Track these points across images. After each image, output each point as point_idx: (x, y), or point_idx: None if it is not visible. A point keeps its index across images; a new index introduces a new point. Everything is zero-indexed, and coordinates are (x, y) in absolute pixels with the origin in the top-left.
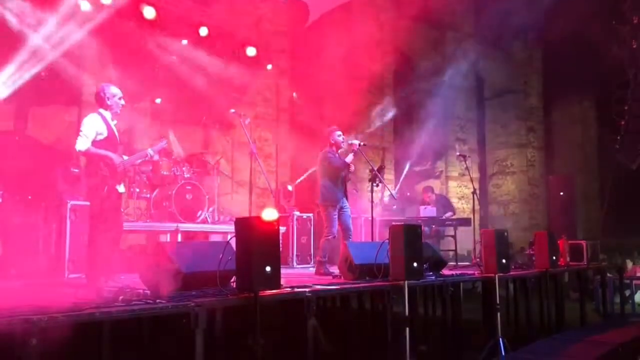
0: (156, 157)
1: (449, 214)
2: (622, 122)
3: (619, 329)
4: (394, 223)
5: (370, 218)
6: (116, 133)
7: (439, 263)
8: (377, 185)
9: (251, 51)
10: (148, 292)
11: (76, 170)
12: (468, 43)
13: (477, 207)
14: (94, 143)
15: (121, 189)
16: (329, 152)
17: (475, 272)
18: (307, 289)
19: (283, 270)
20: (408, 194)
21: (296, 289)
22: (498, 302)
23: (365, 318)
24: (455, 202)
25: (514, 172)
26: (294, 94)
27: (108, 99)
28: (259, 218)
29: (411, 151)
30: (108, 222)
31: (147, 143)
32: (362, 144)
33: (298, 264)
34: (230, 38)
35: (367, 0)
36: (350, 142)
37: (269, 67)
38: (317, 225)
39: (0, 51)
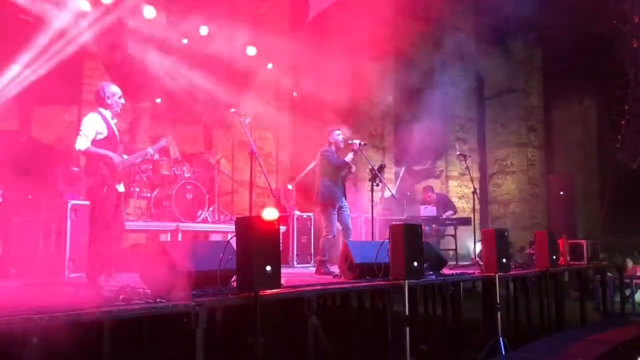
0: (156, 157)
1: (449, 213)
2: (623, 122)
3: (619, 328)
4: (394, 222)
5: (370, 217)
6: (116, 132)
7: (439, 262)
8: (377, 185)
9: (251, 50)
10: (148, 291)
11: (76, 169)
12: (468, 42)
13: (477, 206)
14: (94, 142)
15: (121, 188)
16: (327, 150)
17: (476, 272)
18: (307, 288)
19: (283, 270)
20: (408, 193)
21: (296, 289)
22: (498, 301)
23: (365, 317)
24: (455, 201)
25: (514, 171)
26: (294, 93)
27: (108, 98)
28: (259, 217)
29: (411, 151)
30: (108, 221)
31: (147, 142)
32: (362, 143)
33: (298, 264)
34: (231, 37)
35: None
36: (350, 141)
37: (270, 66)
38: (317, 225)
39: (8, 49)
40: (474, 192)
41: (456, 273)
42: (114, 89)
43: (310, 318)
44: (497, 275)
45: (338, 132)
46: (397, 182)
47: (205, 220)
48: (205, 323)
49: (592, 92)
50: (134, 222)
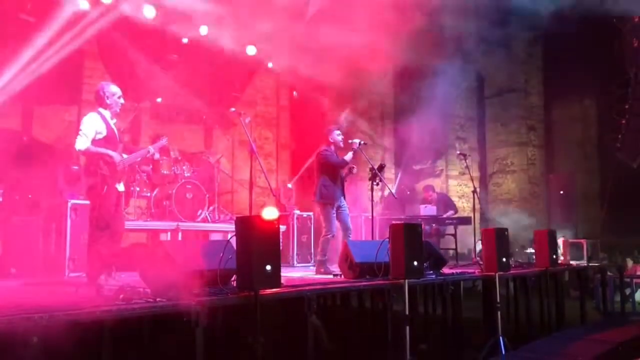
0: (157, 156)
1: (450, 212)
2: (623, 121)
3: (619, 327)
4: (394, 222)
5: (370, 217)
6: (116, 132)
7: (439, 262)
8: (377, 184)
9: (251, 50)
10: (148, 290)
11: (76, 168)
12: (468, 41)
13: (477, 205)
14: (94, 142)
15: (121, 187)
16: (326, 149)
17: (476, 271)
18: (307, 288)
19: (283, 269)
20: (408, 192)
21: (296, 288)
22: (498, 300)
23: (365, 316)
24: (455, 200)
25: (515, 170)
26: (294, 93)
27: (107, 97)
28: (259, 217)
29: (411, 150)
30: (108, 220)
31: (147, 142)
32: (362, 142)
33: (298, 263)
34: (231, 36)
35: None
36: (350, 141)
37: (270, 64)
38: (317, 224)
39: (8, 48)
40: (474, 192)
41: (456, 272)
42: (113, 89)
43: (310, 317)
44: (497, 274)
45: (338, 131)
46: (397, 179)
47: (205, 220)
48: (205, 322)
49: (593, 92)
50: (134, 221)
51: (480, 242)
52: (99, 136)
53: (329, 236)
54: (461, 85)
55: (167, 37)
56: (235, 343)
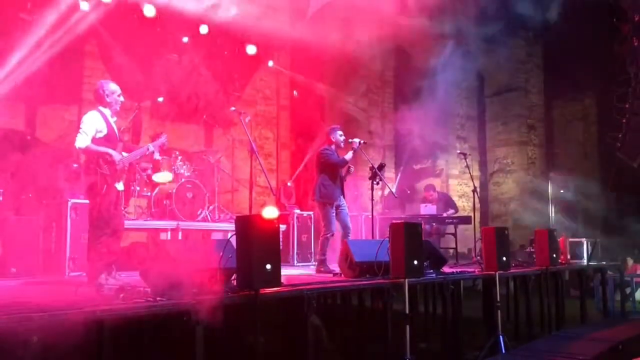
0: (157, 156)
1: (450, 212)
2: (624, 120)
3: (620, 326)
4: (394, 221)
5: (370, 216)
6: (116, 130)
7: (439, 261)
8: (378, 184)
9: (251, 49)
10: (148, 290)
11: (75, 166)
12: (469, 40)
13: (477, 205)
14: (94, 140)
15: (120, 186)
16: (327, 149)
17: (476, 270)
18: (307, 287)
19: (283, 269)
20: (409, 192)
21: (296, 287)
22: (498, 299)
23: (365, 316)
24: (456, 200)
25: (515, 170)
26: (295, 92)
27: (107, 96)
28: (259, 216)
29: (412, 149)
30: (108, 220)
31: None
32: (362, 142)
33: (299, 262)
34: (231, 36)
35: None
36: (350, 140)
37: (270, 63)
38: (317, 224)
39: (8, 48)
40: (474, 191)
41: (456, 271)
42: (113, 87)
43: (310, 317)
44: (497, 273)
45: (340, 132)
46: (397, 179)
47: (205, 219)
48: (205, 322)
49: (593, 91)
50: (135, 220)
51: (480, 241)
52: (100, 135)
53: (328, 235)
54: (461, 85)
55: (168, 36)
56: (235, 342)
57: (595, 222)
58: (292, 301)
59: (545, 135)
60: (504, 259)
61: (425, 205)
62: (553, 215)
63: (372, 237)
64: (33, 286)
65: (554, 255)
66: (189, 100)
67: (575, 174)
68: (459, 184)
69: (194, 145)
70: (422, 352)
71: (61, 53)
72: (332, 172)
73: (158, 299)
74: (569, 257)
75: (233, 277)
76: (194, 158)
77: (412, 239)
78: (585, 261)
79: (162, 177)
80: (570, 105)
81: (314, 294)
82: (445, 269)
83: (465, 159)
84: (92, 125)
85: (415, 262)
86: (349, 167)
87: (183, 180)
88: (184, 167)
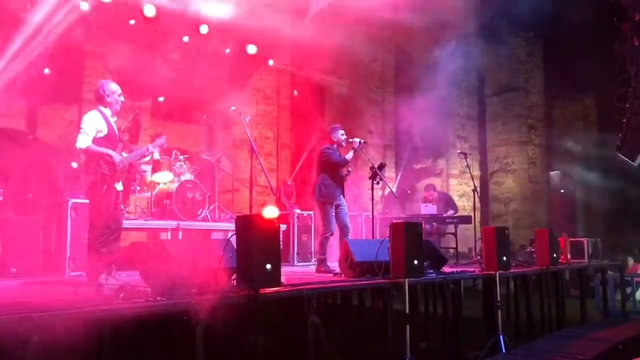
0: (157, 156)
1: (450, 212)
2: (624, 120)
3: (620, 326)
4: (394, 221)
5: (370, 215)
6: (116, 130)
7: (439, 260)
8: (378, 183)
9: (252, 49)
10: (148, 289)
11: (75, 165)
12: (469, 40)
13: (478, 204)
14: (95, 140)
15: (119, 186)
16: (328, 148)
17: (476, 270)
18: (307, 287)
19: (283, 268)
20: (409, 191)
21: (297, 287)
22: (499, 299)
23: (365, 315)
24: (456, 199)
25: (515, 169)
26: (295, 92)
27: (108, 96)
28: (259, 216)
29: (412, 149)
30: (107, 219)
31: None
32: (362, 141)
33: (299, 262)
34: (231, 35)
35: None
36: (350, 140)
37: (271, 62)
38: (317, 223)
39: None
40: (474, 191)
41: (457, 271)
42: (113, 87)
43: (310, 316)
44: (497, 273)
45: (342, 131)
46: (398, 179)
47: (205, 219)
48: (205, 321)
49: (593, 90)
50: (135, 220)
51: (480, 241)
52: (100, 134)
53: (327, 235)
54: (462, 85)
55: (168, 36)
56: (235, 342)
57: (595, 222)
58: (292, 301)
59: (545, 135)
60: (504, 258)
61: (426, 205)
62: (553, 214)
63: (372, 236)
64: (33, 286)
65: (554, 255)
66: (189, 100)
67: (575, 173)
68: (459, 184)
69: (194, 145)
70: (422, 352)
71: (61, 53)
72: (332, 171)
73: (158, 298)
74: (569, 256)
75: (233, 277)
76: (194, 158)
77: (412, 239)
78: (585, 261)
79: (162, 177)
80: (570, 105)
81: (314, 294)
82: (446, 269)
83: (466, 158)
84: (93, 125)
85: (416, 261)
86: (348, 169)
87: (183, 180)
88: (184, 167)
